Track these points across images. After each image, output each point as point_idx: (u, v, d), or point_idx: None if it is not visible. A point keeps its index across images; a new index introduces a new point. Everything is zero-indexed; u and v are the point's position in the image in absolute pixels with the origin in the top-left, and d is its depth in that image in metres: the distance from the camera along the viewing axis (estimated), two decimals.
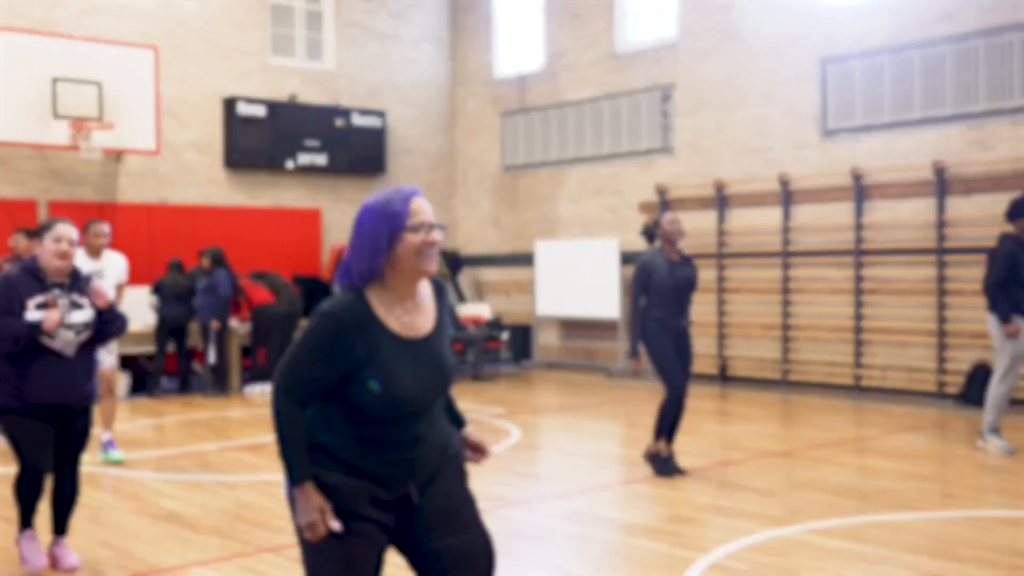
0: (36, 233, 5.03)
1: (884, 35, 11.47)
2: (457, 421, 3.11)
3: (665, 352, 7.10)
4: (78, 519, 5.97)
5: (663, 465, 7.17)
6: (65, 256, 4.94)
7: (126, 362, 12.15)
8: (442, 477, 2.95)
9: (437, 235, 2.82)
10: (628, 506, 6.41)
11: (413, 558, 2.93)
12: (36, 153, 12.58)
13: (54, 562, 5.12)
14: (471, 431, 3.11)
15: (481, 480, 7.12)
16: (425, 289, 2.95)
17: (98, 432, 8.02)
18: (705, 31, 13.24)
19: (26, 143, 11.98)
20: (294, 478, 2.74)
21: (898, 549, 5.28)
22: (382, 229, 2.77)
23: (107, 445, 7.94)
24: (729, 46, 12.97)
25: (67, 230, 4.97)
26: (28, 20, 12.53)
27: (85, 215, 12.67)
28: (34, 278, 4.96)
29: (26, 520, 5.10)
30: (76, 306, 4.99)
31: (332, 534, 2.76)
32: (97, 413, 8.13)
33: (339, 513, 2.77)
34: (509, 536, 5.67)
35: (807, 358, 12.27)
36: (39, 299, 4.90)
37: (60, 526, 5.19)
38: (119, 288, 8.12)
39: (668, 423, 7.19)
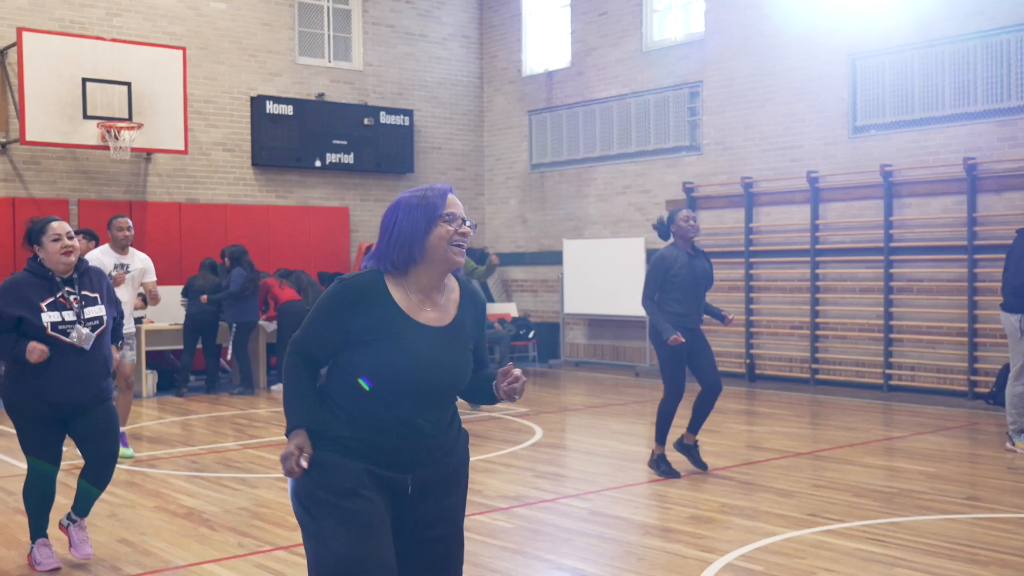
0: (34, 239, 4.98)
1: (913, 31, 11.32)
2: (490, 377, 3.01)
3: (674, 353, 7.03)
4: (98, 515, 6.03)
5: (668, 467, 7.13)
6: (69, 251, 4.93)
7: (154, 360, 12.26)
8: (440, 492, 2.96)
9: (468, 230, 2.89)
10: (646, 506, 6.36)
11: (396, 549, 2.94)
12: (67, 153, 12.72)
13: (68, 544, 5.16)
14: (500, 371, 2.96)
15: (500, 479, 7.13)
16: (453, 291, 2.97)
17: None
18: (733, 27, 13.14)
19: (57, 143, 12.11)
20: (291, 424, 2.85)
21: (917, 551, 5.20)
22: (419, 217, 2.85)
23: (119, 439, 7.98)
24: (757, 43, 12.86)
25: (61, 226, 4.96)
26: (59, 22, 12.67)
27: (115, 214, 12.80)
28: (42, 279, 4.93)
29: (38, 530, 5.10)
30: (89, 301, 5.00)
31: (340, 509, 2.77)
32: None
33: (341, 491, 2.79)
34: (525, 535, 5.65)
35: (836, 357, 12.15)
36: (50, 299, 4.89)
37: (81, 507, 5.18)
38: (148, 285, 8.15)
39: (667, 425, 7.15)
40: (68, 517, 5.22)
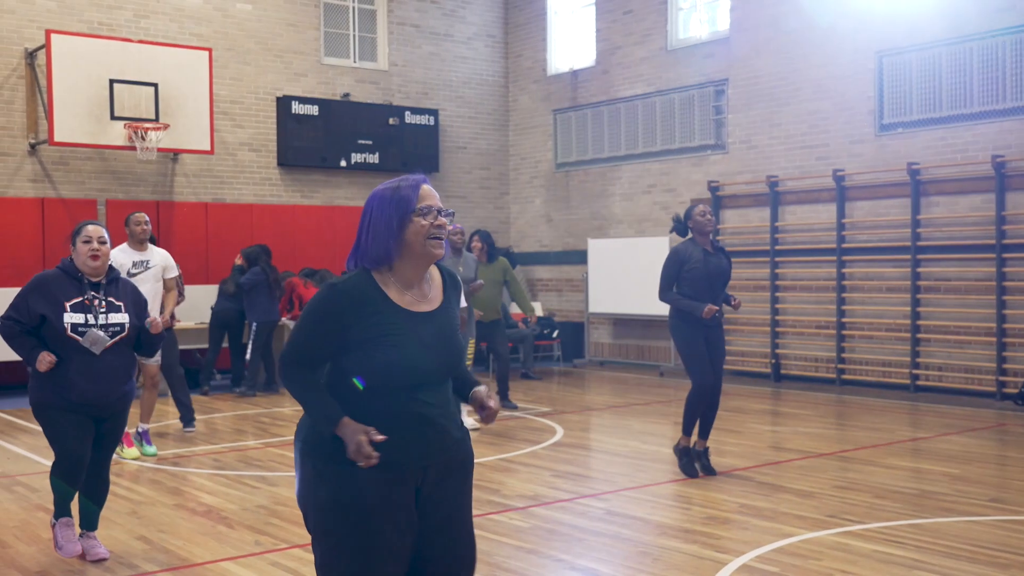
0: (72, 239, 5.10)
1: (941, 27, 11.19)
2: (469, 386, 3.05)
3: (694, 346, 6.99)
4: (118, 512, 6.09)
5: (689, 461, 7.08)
6: (97, 255, 5.00)
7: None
8: (450, 480, 2.95)
9: (445, 221, 2.88)
10: (664, 507, 6.33)
11: None
12: (95, 154, 12.84)
13: (83, 554, 5.21)
14: (481, 390, 3.03)
15: (518, 478, 7.12)
16: (435, 278, 3.00)
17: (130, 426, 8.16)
18: (758, 25, 13.05)
19: (85, 144, 12.23)
20: (331, 425, 2.77)
21: (937, 554, 5.14)
22: (392, 213, 2.84)
23: (142, 437, 8.05)
24: (783, 40, 12.77)
25: (95, 230, 5.05)
26: (87, 24, 12.80)
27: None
28: (72, 279, 5.01)
29: (62, 508, 5.17)
30: (113, 308, 5.05)
31: (346, 525, 2.77)
32: (136, 405, 8.29)
33: (352, 509, 2.77)
34: (540, 535, 5.64)
35: (862, 357, 12.03)
36: (76, 300, 4.95)
37: (89, 522, 5.26)
38: (170, 281, 8.20)
39: (695, 417, 7.09)
40: (80, 535, 5.27)
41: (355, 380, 2.80)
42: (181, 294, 8.47)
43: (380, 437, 2.73)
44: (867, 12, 11.86)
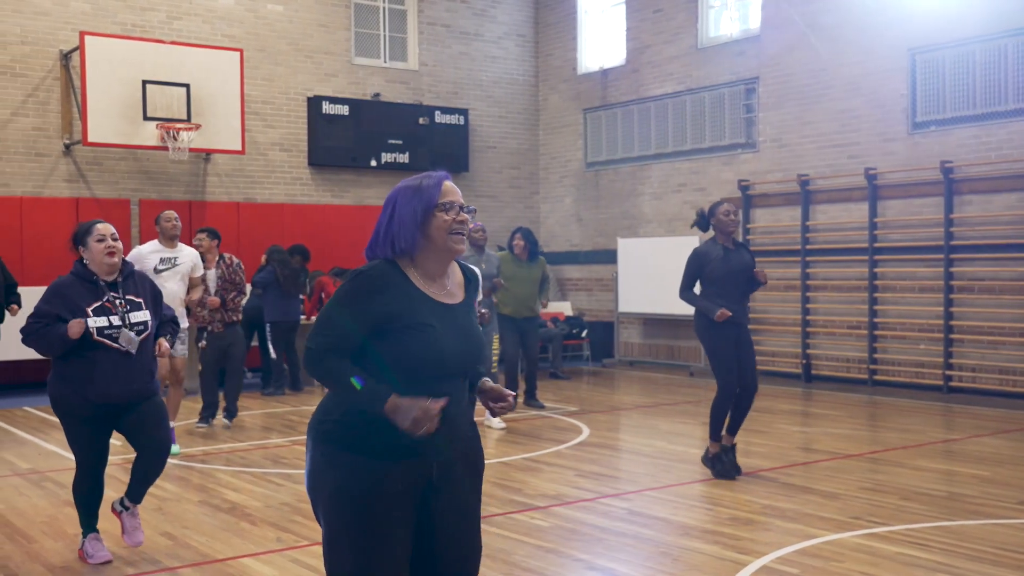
0: (80, 241, 5.06)
1: (975, 23, 11.04)
2: (479, 378, 3.05)
3: (720, 348, 6.93)
4: (144, 508, 6.12)
5: (723, 467, 7.03)
6: (113, 252, 5.00)
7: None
8: (461, 479, 2.96)
9: (466, 217, 2.91)
10: (686, 507, 6.29)
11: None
12: (128, 154, 12.99)
13: (121, 530, 5.25)
14: (489, 381, 3.03)
15: (542, 478, 7.11)
16: (456, 274, 3.01)
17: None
18: (789, 23, 12.94)
19: (118, 144, 12.37)
20: (380, 403, 2.73)
21: (961, 556, 5.07)
22: (417, 206, 2.87)
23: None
24: (814, 38, 12.65)
25: (105, 227, 5.04)
26: (120, 26, 12.94)
27: (176, 213, 13.03)
28: (88, 282, 4.99)
29: (88, 525, 5.19)
30: (134, 306, 5.06)
31: (354, 516, 2.77)
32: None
33: (360, 496, 2.78)
34: (560, 534, 5.63)
35: (894, 358, 11.90)
36: (96, 304, 4.94)
37: (135, 494, 5.23)
38: (196, 279, 8.30)
39: (721, 422, 7.05)
40: (121, 503, 5.28)
41: (353, 379, 2.78)
42: (201, 288, 8.52)
43: (441, 402, 2.71)
44: (900, 8, 11.73)
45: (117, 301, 5.00)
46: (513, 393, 3.02)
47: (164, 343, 5.24)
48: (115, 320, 4.95)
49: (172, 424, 8.15)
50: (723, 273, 6.91)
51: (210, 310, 9.02)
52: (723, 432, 7.13)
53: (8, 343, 9.75)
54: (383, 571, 2.80)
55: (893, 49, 11.80)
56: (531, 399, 10.59)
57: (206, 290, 8.67)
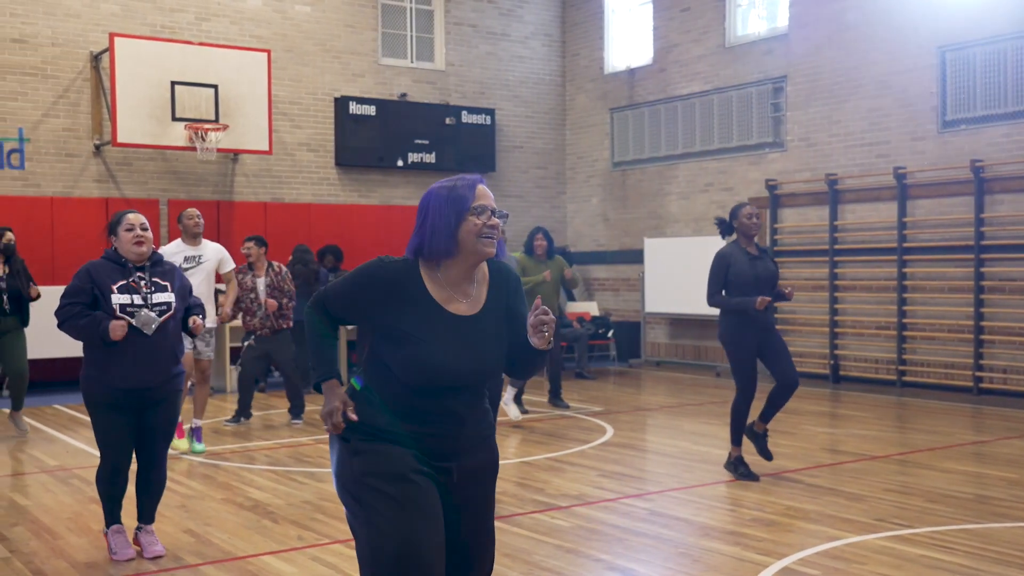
0: (112, 230, 5.18)
1: (1006, 20, 10.91)
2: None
3: (744, 353, 6.88)
4: (167, 505, 6.19)
5: (746, 469, 6.98)
6: (141, 241, 5.09)
7: (237, 355, 12.51)
8: (477, 482, 2.98)
9: (498, 221, 2.89)
10: (708, 508, 6.26)
11: None
12: (157, 154, 13.09)
13: (139, 549, 5.30)
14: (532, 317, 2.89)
15: (564, 478, 7.10)
16: (482, 277, 2.99)
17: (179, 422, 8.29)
18: (818, 21, 12.85)
19: (147, 145, 12.47)
20: (320, 376, 2.94)
21: (986, 560, 5.00)
22: (449, 211, 2.87)
23: (194, 433, 8.16)
24: (842, 36, 12.55)
25: (136, 217, 5.14)
26: (150, 27, 13.05)
27: (203, 213, 13.01)
28: (116, 264, 5.09)
29: (112, 516, 5.25)
30: (159, 288, 5.13)
31: (390, 494, 2.79)
32: (189, 402, 8.44)
33: (389, 476, 2.81)
34: (581, 534, 5.61)
35: (923, 359, 11.78)
36: (122, 282, 5.03)
37: (146, 515, 5.34)
38: (228, 274, 8.36)
39: (742, 427, 7.00)
40: (136, 528, 5.36)
41: (353, 380, 2.86)
42: (236, 287, 8.64)
43: (353, 417, 2.85)
44: (929, 6, 11.61)
45: (143, 282, 5.07)
46: (553, 319, 2.86)
47: (198, 319, 5.28)
48: (137, 299, 5.01)
49: (200, 422, 8.24)
50: (749, 279, 6.82)
51: (260, 317, 9.23)
52: (756, 420, 7.05)
53: (38, 341, 9.87)
54: (426, 540, 2.79)
55: (922, 47, 11.68)
56: (556, 399, 10.58)
57: (257, 298, 9.15)
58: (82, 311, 4.98)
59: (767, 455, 7.10)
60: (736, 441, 7.06)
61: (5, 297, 8.71)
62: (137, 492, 5.32)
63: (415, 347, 2.82)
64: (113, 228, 5.16)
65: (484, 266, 3.00)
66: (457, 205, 2.87)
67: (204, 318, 5.44)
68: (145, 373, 5.03)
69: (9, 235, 8.78)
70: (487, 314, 2.94)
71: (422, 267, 2.89)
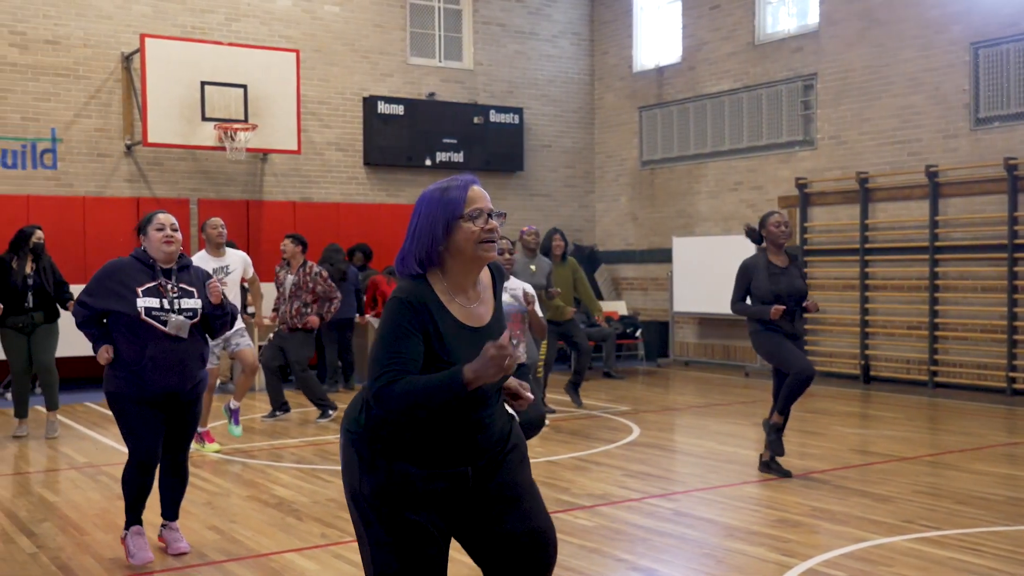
0: (141, 229, 5.19)
1: None
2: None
3: (778, 345, 6.76)
4: (193, 502, 6.23)
5: (778, 438, 6.87)
6: (170, 241, 5.10)
7: None
8: (506, 466, 2.92)
9: (495, 223, 2.81)
10: (733, 508, 6.21)
11: (473, 543, 2.91)
12: (187, 154, 13.19)
13: (164, 546, 5.32)
14: (510, 382, 2.96)
15: (589, 477, 7.07)
16: (485, 278, 2.94)
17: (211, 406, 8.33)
18: (848, 18, 12.73)
19: (177, 144, 12.57)
20: (456, 385, 2.63)
21: (1015, 562, 4.93)
22: (439, 216, 2.77)
23: (232, 414, 8.25)
24: (873, 32, 12.43)
25: (166, 217, 5.16)
26: (180, 28, 13.16)
27: (233, 213, 13.24)
28: (144, 265, 5.10)
29: (133, 517, 5.21)
30: (185, 293, 5.14)
31: (392, 530, 2.77)
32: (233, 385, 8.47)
33: (400, 500, 2.77)
34: (604, 534, 5.59)
35: (956, 359, 11.64)
36: (148, 285, 5.04)
37: (170, 512, 5.38)
38: (252, 281, 8.45)
39: (793, 401, 6.83)
40: (161, 525, 5.39)
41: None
42: (258, 292, 8.74)
43: (503, 339, 2.60)
44: (961, 2, 11.47)
45: (169, 286, 5.08)
46: (531, 397, 2.93)
47: (216, 283, 5.25)
48: (164, 303, 5.01)
49: (238, 404, 8.34)
50: (768, 296, 6.74)
51: (281, 312, 9.48)
52: (775, 413, 6.97)
53: (68, 339, 9.96)
54: (427, 569, 2.79)
55: (955, 44, 11.54)
56: (572, 389, 10.42)
57: (284, 293, 9.37)
58: (88, 320, 5.07)
59: (779, 449, 6.97)
60: (783, 411, 6.89)
61: (30, 294, 8.77)
62: (160, 490, 5.35)
63: (436, 365, 2.76)
64: (143, 228, 5.17)
65: (486, 269, 2.95)
66: (448, 211, 2.76)
67: (234, 323, 5.44)
68: (173, 378, 5.06)
69: (39, 233, 8.87)
70: (497, 323, 2.91)
71: (432, 282, 2.80)
